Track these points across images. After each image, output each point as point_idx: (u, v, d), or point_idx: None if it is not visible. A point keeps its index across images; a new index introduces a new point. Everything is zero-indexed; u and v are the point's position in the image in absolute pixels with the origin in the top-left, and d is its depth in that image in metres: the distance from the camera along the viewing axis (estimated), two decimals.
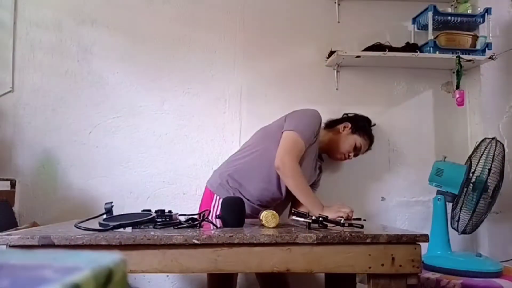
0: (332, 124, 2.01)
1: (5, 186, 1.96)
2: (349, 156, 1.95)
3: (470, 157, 1.81)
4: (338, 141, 1.93)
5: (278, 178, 1.72)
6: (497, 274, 1.57)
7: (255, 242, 1.09)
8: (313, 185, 1.93)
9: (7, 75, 2.08)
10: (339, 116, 2.14)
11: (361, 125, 1.97)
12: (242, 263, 1.11)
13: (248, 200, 1.69)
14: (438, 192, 1.79)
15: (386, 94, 2.26)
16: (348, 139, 1.93)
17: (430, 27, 2.10)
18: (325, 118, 2.20)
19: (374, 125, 2.08)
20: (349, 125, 1.94)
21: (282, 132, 1.73)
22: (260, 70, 2.20)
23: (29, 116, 2.09)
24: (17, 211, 1.99)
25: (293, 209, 1.73)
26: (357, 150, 1.95)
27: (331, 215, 1.42)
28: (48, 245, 1.05)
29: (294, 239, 1.10)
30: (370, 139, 2.00)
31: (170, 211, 1.30)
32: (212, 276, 1.76)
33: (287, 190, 1.72)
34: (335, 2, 2.25)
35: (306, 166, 1.76)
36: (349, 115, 2.04)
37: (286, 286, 1.86)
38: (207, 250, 1.10)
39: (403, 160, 2.23)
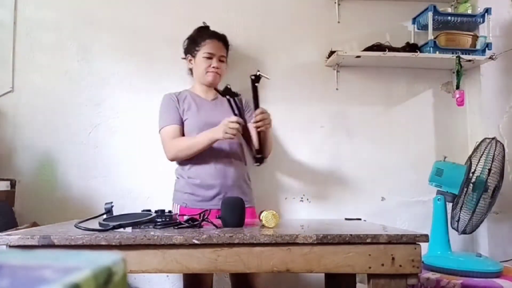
0: (191, 71, 1.95)
1: (5, 186, 1.96)
2: (215, 68, 1.82)
3: (470, 157, 1.81)
4: (195, 73, 1.89)
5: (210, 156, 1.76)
6: (497, 274, 1.58)
7: (255, 242, 1.09)
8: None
9: (7, 75, 2.08)
10: (339, 117, 2.14)
11: (193, 44, 1.87)
12: (242, 263, 1.11)
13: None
14: (438, 192, 1.79)
15: (386, 94, 2.26)
16: (198, 63, 1.85)
17: (430, 27, 2.10)
18: (324, 118, 2.22)
19: (204, 23, 1.95)
20: (189, 57, 1.89)
21: None
22: (260, 70, 2.20)
23: (29, 116, 2.09)
24: (17, 211, 1.99)
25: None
26: (212, 58, 1.82)
27: (220, 135, 1.61)
28: (48, 245, 1.05)
29: (294, 239, 1.10)
30: (208, 38, 1.84)
31: (170, 211, 1.30)
32: (188, 278, 1.75)
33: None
34: (335, 2, 2.25)
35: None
36: (183, 48, 1.94)
37: (257, 276, 1.80)
38: (207, 250, 1.10)
39: (403, 160, 2.23)
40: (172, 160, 1.80)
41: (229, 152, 1.81)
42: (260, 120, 1.61)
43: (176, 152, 1.75)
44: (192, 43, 1.88)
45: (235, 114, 1.65)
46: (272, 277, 2.06)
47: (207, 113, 1.82)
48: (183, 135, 1.80)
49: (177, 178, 1.85)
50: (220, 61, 1.85)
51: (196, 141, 1.72)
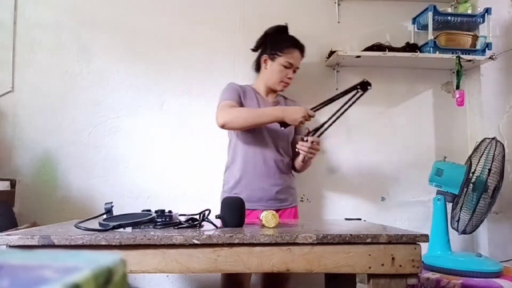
0: (257, 67, 1.94)
1: (5, 186, 1.96)
2: (289, 78, 1.84)
3: (470, 157, 1.81)
4: (268, 77, 1.85)
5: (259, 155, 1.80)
6: (497, 274, 1.58)
7: (255, 242, 1.09)
8: (298, 133, 1.93)
9: (7, 75, 2.08)
10: (341, 117, 2.14)
11: (274, 45, 1.82)
12: (242, 263, 1.10)
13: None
14: (438, 192, 1.79)
15: (386, 94, 2.26)
16: (275, 68, 1.82)
17: (430, 27, 2.10)
18: (325, 118, 2.22)
19: (287, 25, 1.90)
20: (266, 56, 1.84)
21: None
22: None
23: (29, 116, 2.09)
24: (17, 211, 1.99)
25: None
26: (290, 68, 1.82)
27: (293, 118, 1.62)
28: (48, 245, 1.05)
29: (294, 239, 1.10)
30: (293, 47, 1.82)
31: (170, 211, 1.30)
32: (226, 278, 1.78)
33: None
34: (335, 2, 2.25)
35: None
36: (259, 40, 1.90)
37: (286, 282, 1.88)
38: (207, 250, 1.10)
39: (403, 160, 2.23)
40: (223, 124, 1.69)
41: (279, 156, 1.83)
42: (311, 148, 1.67)
43: (233, 117, 1.69)
44: (275, 45, 1.83)
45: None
46: None
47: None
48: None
49: (227, 178, 1.87)
50: (294, 71, 1.85)
51: (261, 112, 1.71)
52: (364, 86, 1.68)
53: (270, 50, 1.83)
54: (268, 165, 1.80)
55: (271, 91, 1.90)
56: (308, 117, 1.66)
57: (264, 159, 1.80)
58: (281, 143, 1.84)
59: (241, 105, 1.78)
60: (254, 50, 1.92)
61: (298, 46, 1.84)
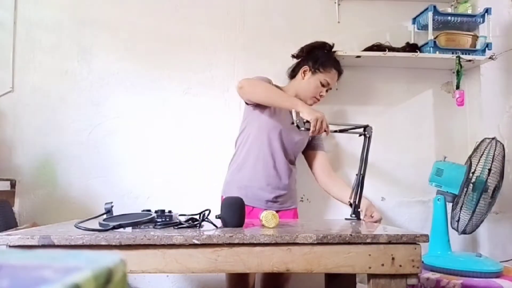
0: (293, 73, 1.95)
1: (5, 186, 1.96)
2: (321, 96, 1.87)
3: (470, 157, 1.81)
4: (303, 88, 1.86)
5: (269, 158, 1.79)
6: (497, 274, 1.57)
7: (255, 242, 1.09)
8: (317, 149, 1.93)
9: (7, 75, 2.08)
10: (340, 117, 2.13)
11: (319, 60, 1.85)
12: (242, 263, 1.11)
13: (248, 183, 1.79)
14: (438, 192, 1.79)
15: (386, 94, 2.26)
16: (312, 82, 1.84)
17: (430, 27, 2.10)
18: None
19: (333, 45, 1.95)
20: (307, 68, 1.86)
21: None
22: (260, 70, 2.20)
23: (29, 116, 2.09)
24: (17, 211, 1.99)
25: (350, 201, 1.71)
26: (325, 86, 1.86)
27: (306, 115, 1.53)
28: (48, 245, 1.05)
29: (294, 239, 1.10)
30: (335, 68, 1.87)
31: (170, 211, 1.30)
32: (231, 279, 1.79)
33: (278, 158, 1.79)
34: (335, 2, 2.25)
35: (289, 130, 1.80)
36: (304, 50, 1.92)
37: (286, 282, 1.90)
38: (207, 250, 1.10)
39: (403, 160, 2.23)
40: (241, 87, 1.72)
41: (288, 158, 1.84)
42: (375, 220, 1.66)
43: (254, 85, 1.71)
44: (320, 60, 1.85)
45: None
46: None
47: (282, 120, 1.81)
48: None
49: (232, 167, 1.87)
50: (327, 91, 1.89)
51: (281, 94, 1.71)
52: (369, 130, 1.65)
53: (313, 64, 1.85)
54: (276, 169, 1.80)
55: None
56: (325, 125, 1.54)
57: (274, 163, 1.80)
58: (291, 152, 1.85)
59: None
60: (295, 57, 1.95)
61: (339, 69, 1.91)
